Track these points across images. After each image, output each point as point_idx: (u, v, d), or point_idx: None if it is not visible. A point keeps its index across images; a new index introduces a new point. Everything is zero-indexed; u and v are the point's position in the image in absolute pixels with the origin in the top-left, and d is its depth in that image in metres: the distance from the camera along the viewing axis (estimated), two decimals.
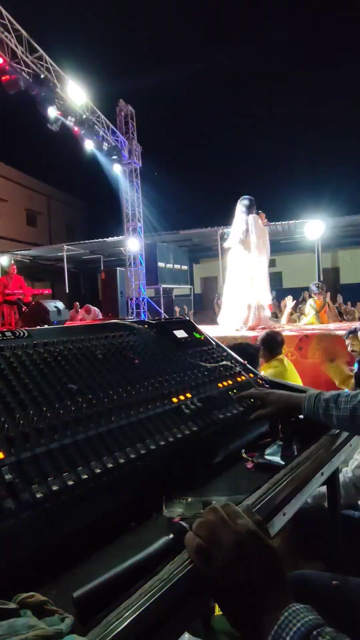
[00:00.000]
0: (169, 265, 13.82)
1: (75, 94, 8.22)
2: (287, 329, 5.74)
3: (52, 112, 7.61)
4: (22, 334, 0.94)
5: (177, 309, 13.37)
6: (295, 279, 16.25)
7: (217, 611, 1.33)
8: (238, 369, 1.19)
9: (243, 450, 0.92)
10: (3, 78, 6.71)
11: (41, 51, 7.37)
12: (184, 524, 0.58)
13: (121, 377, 0.92)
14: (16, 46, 6.94)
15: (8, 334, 0.92)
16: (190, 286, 16.29)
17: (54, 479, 0.61)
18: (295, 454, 0.88)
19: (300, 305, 8.42)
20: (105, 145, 9.56)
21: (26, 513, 0.55)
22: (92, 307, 10.87)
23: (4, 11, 6.67)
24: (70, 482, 0.61)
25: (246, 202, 5.92)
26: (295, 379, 3.33)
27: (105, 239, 14.53)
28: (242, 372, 1.19)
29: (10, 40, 6.83)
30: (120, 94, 10.87)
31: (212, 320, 7.06)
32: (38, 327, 1.71)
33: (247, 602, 0.45)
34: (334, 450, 0.95)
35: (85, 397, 0.80)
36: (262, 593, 0.45)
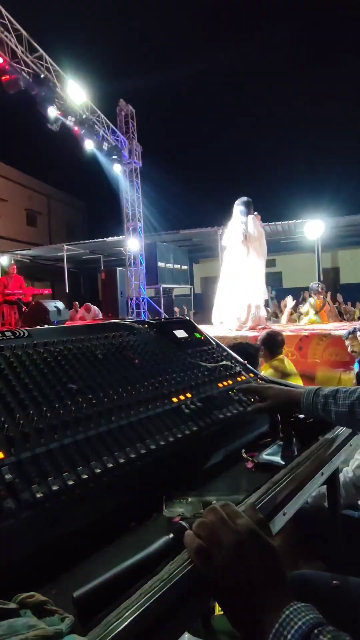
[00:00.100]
0: (169, 265, 13.81)
1: (75, 93, 8.22)
2: (286, 329, 5.74)
3: (52, 112, 7.61)
4: (22, 334, 0.94)
5: (177, 309, 13.37)
6: (295, 279, 16.25)
7: (217, 611, 1.33)
8: (238, 368, 1.19)
9: (243, 450, 0.92)
10: (3, 78, 6.72)
11: (41, 51, 7.37)
12: (184, 523, 0.58)
13: (121, 377, 0.91)
14: (16, 46, 6.94)
15: (8, 334, 0.92)
16: (190, 286, 16.31)
17: (54, 478, 0.61)
18: (296, 453, 0.88)
19: (300, 305, 8.41)
20: (105, 145, 9.55)
21: (26, 513, 0.55)
22: (91, 305, 10.87)
23: (4, 11, 6.67)
24: (71, 482, 0.61)
25: (245, 202, 5.94)
26: (295, 379, 3.33)
27: (105, 239, 14.52)
28: (242, 372, 1.19)
29: (10, 40, 6.83)
30: (120, 93, 10.89)
31: None
32: (38, 327, 1.71)
33: (247, 601, 0.45)
34: (334, 450, 0.95)
35: (86, 397, 0.80)
36: (262, 592, 0.45)
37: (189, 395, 0.96)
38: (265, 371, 3.23)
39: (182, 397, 0.94)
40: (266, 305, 7.22)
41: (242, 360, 1.26)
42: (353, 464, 1.57)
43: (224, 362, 1.18)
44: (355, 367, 3.92)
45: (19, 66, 6.98)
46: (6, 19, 6.73)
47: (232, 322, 5.91)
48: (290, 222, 12.92)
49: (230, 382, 1.10)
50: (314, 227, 12.20)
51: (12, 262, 11.89)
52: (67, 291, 14.85)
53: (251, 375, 1.21)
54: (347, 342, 4.14)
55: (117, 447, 0.72)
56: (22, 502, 0.56)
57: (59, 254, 15.71)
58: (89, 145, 9.15)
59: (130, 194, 11.02)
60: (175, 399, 0.92)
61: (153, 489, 0.71)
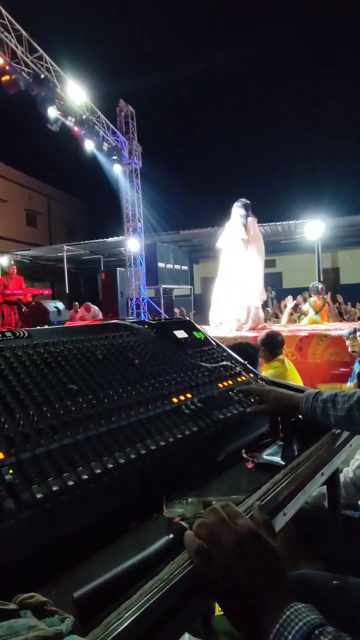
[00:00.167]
0: (169, 266, 13.81)
1: (75, 94, 8.22)
2: (285, 329, 5.74)
3: (52, 112, 7.62)
4: (22, 334, 0.94)
5: (177, 310, 13.36)
6: (295, 279, 16.25)
7: (217, 611, 1.33)
8: (238, 369, 1.19)
9: (243, 451, 0.92)
10: (3, 78, 6.72)
11: (41, 51, 7.37)
12: (184, 524, 0.58)
13: (121, 378, 0.91)
14: (16, 46, 6.94)
15: (8, 334, 0.92)
16: (190, 286, 16.30)
17: (54, 479, 0.61)
18: (296, 454, 0.87)
19: (300, 305, 8.41)
20: (105, 146, 9.56)
21: (26, 513, 0.55)
22: (91, 305, 10.87)
23: (4, 11, 6.67)
24: (71, 483, 0.61)
25: (245, 205, 5.98)
26: (295, 380, 3.33)
27: (105, 239, 14.52)
28: (243, 372, 1.19)
29: (10, 40, 6.84)
30: (120, 94, 10.90)
31: None
32: (38, 327, 1.71)
33: (247, 601, 0.45)
34: (335, 450, 0.95)
35: (86, 398, 0.80)
36: (262, 593, 0.45)
37: (189, 395, 0.96)
38: (266, 371, 3.23)
39: (182, 398, 0.94)
40: (266, 305, 7.23)
41: (242, 361, 1.26)
42: (353, 464, 1.57)
43: (224, 363, 1.18)
44: (356, 367, 3.93)
45: (19, 66, 6.99)
46: (6, 19, 6.73)
47: (232, 322, 5.92)
48: (290, 222, 12.92)
49: (230, 382, 1.10)
50: (314, 228, 12.20)
51: (12, 262, 11.91)
52: (67, 291, 14.85)
53: (251, 375, 1.20)
54: (347, 342, 4.14)
55: (117, 448, 0.72)
56: (22, 503, 0.56)
57: (59, 254, 15.71)
58: (89, 145, 9.15)
59: (130, 194, 11.02)
60: (175, 400, 0.92)
61: (153, 490, 0.71)
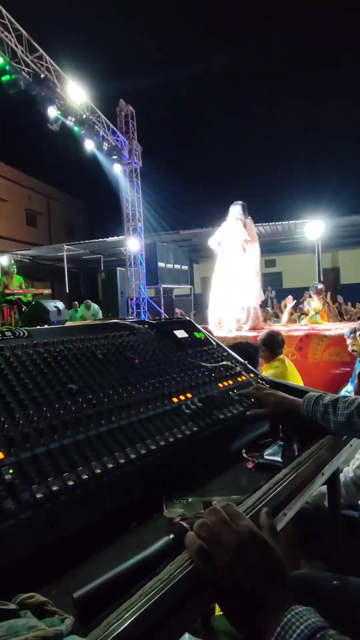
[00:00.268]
0: (169, 265, 13.81)
1: (75, 93, 8.22)
2: (285, 329, 5.74)
3: (52, 111, 7.61)
4: (22, 334, 0.94)
5: (177, 311, 13.36)
6: (295, 279, 16.25)
7: (218, 611, 1.33)
8: (238, 369, 1.19)
9: (243, 450, 0.92)
10: (3, 78, 6.72)
11: (41, 51, 7.37)
12: (184, 524, 0.58)
13: (121, 377, 0.91)
14: (16, 46, 6.94)
15: (8, 334, 0.92)
16: (190, 286, 16.30)
17: (54, 479, 0.61)
18: (296, 454, 0.87)
19: (300, 305, 8.41)
20: (105, 145, 9.56)
21: (26, 513, 0.55)
22: (91, 303, 10.87)
23: (4, 11, 6.67)
24: (71, 483, 0.61)
25: (243, 206, 6.01)
26: (296, 379, 3.33)
27: (105, 239, 14.52)
28: (243, 372, 1.19)
29: (10, 40, 6.83)
30: (120, 93, 10.90)
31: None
32: (38, 327, 1.71)
33: (248, 602, 0.45)
34: (335, 450, 0.94)
35: (86, 397, 0.80)
36: (263, 593, 0.45)
37: (189, 395, 0.96)
38: (266, 371, 3.23)
39: (182, 397, 0.94)
40: (266, 305, 7.23)
41: (242, 360, 1.26)
42: (354, 463, 1.57)
43: (224, 362, 1.17)
44: (356, 366, 3.93)
45: (19, 66, 6.98)
46: (6, 19, 6.73)
47: (231, 322, 5.93)
48: (290, 222, 12.91)
49: (230, 382, 1.10)
50: (314, 228, 12.19)
51: (13, 262, 11.90)
52: (67, 291, 14.85)
53: (251, 375, 1.20)
54: (348, 341, 4.14)
55: (118, 448, 0.72)
56: (22, 503, 0.56)
57: (59, 254, 15.70)
58: (89, 145, 9.15)
59: (130, 194, 11.02)
60: (175, 399, 0.92)
61: (153, 490, 0.71)
